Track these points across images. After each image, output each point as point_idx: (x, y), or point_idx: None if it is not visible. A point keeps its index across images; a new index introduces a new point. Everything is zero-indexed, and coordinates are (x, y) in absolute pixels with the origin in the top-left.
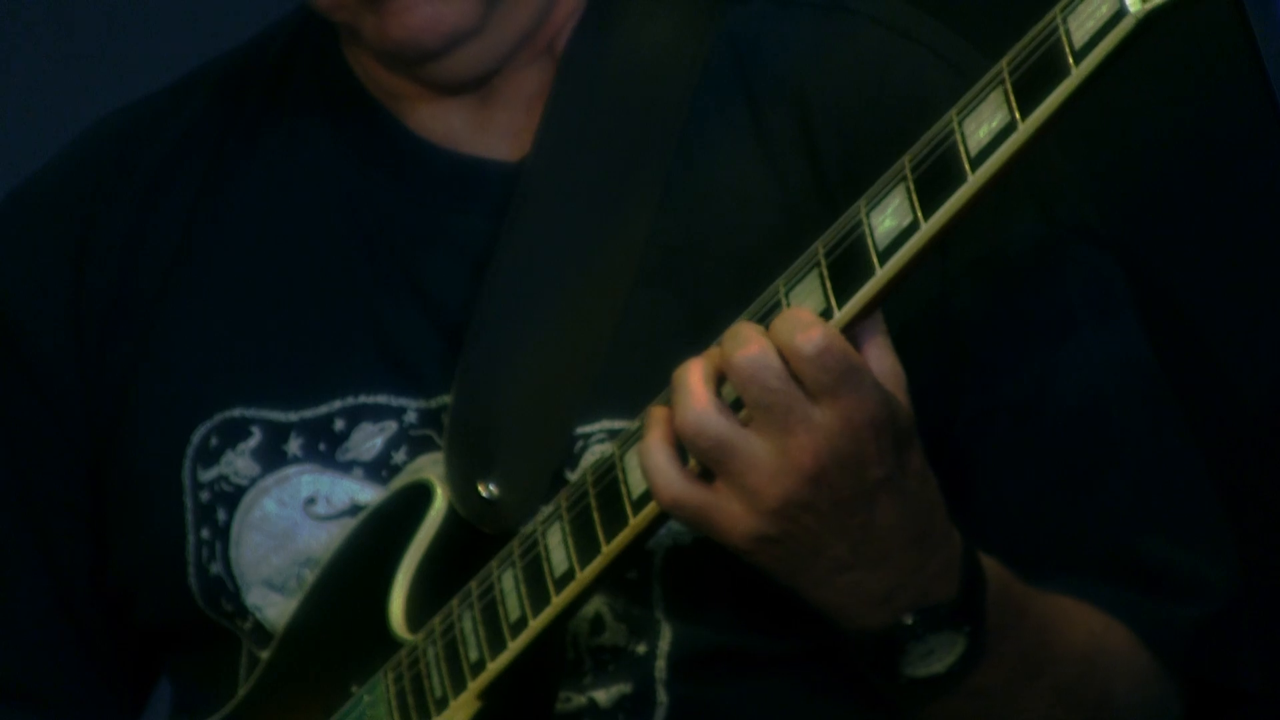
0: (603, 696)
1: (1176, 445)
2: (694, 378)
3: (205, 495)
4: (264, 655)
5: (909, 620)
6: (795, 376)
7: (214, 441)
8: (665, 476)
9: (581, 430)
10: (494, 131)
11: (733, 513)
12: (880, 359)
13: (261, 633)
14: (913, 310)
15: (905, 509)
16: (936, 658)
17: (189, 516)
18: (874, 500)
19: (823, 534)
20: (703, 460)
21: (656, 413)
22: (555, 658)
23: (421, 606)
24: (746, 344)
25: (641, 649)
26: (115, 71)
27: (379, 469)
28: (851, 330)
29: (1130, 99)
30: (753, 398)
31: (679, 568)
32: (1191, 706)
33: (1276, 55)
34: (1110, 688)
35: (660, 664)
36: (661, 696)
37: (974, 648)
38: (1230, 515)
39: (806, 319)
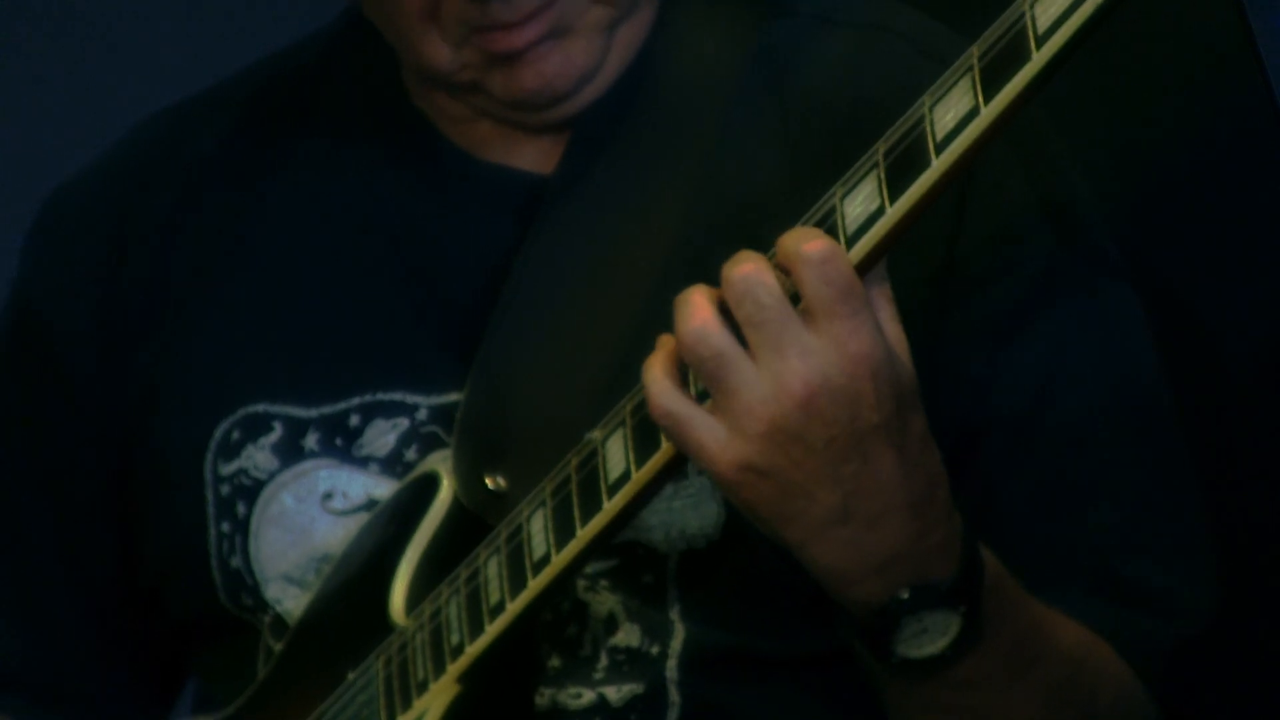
0: (614, 694)
1: (1170, 465)
2: (697, 294)
3: (225, 489)
4: (277, 647)
5: (905, 595)
6: (794, 297)
7: (235, 435)
8: (660, 386)
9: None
10: (532, 143)
11: (720, 437)
12: (884, 323)
13: (281, 626)
14: (910, 322)
15: (903, 469)
16: (930, 638)
17: (210, 510)
18: (868, 448)
19: (813, 474)
20: (699, 371)
21: (664, 338)
22: (534, 650)
23: (422, 595)
24: (743, 262)
25: (655, 650)
26: (118, 75)
27: (393, 464)
28: None
29: (1126, 96)
30: (745, 315)
31: (694, 571)
32: None
33: (1276, 53)
34: (1097, 693)
35: (671, 664)
36: (674, 697)
37: (969, 631)
38: (1227, 516)
39: (815, 231)
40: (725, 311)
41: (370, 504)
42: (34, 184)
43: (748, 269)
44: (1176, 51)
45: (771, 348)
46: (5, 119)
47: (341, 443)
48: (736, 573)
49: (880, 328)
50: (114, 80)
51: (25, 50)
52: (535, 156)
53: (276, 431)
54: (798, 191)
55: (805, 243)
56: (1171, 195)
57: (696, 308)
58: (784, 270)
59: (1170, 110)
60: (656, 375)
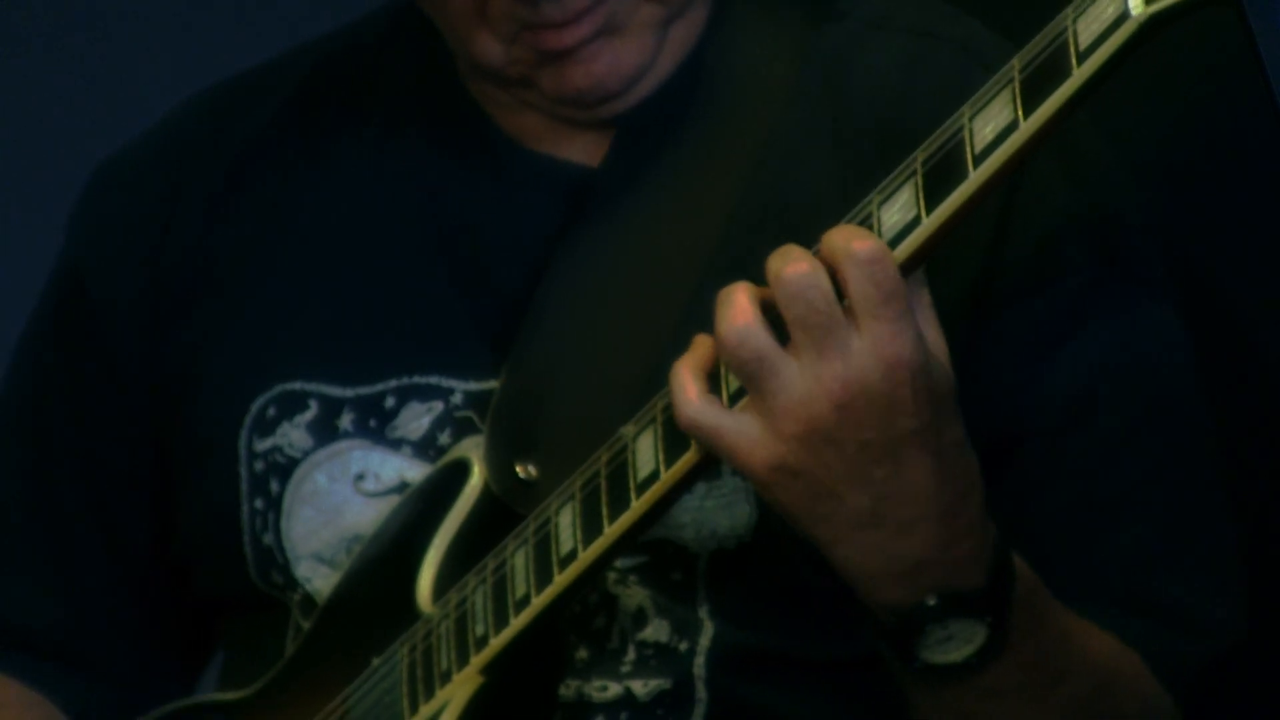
0: (640, 689)
1: (1202, 485)
2: (740, 294)
3: (260, 465)
4: (305, 626)
5: (931, 601)
6: (841, 298)
7: (271, 412)
8: (685, 396)
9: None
10: (581, 135)
11: (753, 437)
12: (925, 328)
13: (310, 604)
14: (948, 332)
15: (937, 477)
16: (955, 645)
17: (244, 485)
18: (902, 454)
19: (844, 477)
20: (740, 374)
21: (699, 338)
22: (559, 644)
23: (449, 582)
24: (797, 261)
25: (683, 646)
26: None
27: (426, 448)
28: None
29: (1121, 97)
30: (795, 315)
31: (723, 571)
32: None
33: (1276, 53)
34: (1124, 707)
35: (699, 660)
36: (701, 694)
37: (994, 641)
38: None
39: (863, 230)
40: (767, 308)
41: (402, 486)
42: (35, 181)
43: (803, 268)
44: (1174, 51)
45: (815, 349)
46: (7, 116)
47: (375, 424)
48: (766, 575)
49: (921, 334)
50: (116, 77)
51: (25, 48)
52: (584, 148)
53: (312, 410)
54: (844, 196)
55: (855, 240)
56: (1168, 198)
57: (739, 308)
58: (827, 266)
59: (1167, 111)
60: (684, 383)
